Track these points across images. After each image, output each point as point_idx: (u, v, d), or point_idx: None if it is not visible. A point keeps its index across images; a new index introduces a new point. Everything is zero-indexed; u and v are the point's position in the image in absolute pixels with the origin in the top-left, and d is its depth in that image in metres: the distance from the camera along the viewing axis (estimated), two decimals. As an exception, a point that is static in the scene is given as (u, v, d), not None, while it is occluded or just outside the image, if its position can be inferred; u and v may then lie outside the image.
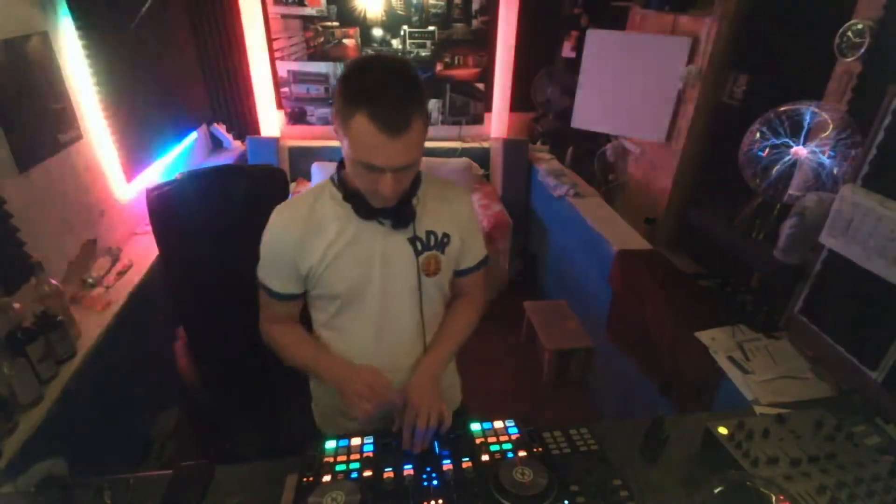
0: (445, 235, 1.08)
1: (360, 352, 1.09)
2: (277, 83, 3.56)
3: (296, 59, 3.50)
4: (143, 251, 2.16)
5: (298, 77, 3.56)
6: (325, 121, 3.68)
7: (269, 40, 3.41)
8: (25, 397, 1.32)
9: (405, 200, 1.00)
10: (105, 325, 1.71)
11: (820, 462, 0.98)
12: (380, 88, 0.84)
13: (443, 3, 3.41)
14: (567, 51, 3.53)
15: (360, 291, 1.04)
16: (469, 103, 3.77)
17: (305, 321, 1.17)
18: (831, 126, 1.49)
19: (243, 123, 3.56)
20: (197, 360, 1.80)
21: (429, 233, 1.06)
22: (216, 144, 3.58)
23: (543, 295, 3.42)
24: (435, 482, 0.94)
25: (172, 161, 2.80)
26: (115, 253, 2.06)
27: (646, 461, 1.07)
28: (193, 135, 3.17)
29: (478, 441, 1.04)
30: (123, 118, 2.21)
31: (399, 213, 1.00)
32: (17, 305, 1.38)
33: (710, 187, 2.57)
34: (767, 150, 1.62)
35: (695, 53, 2.51)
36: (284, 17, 3.37)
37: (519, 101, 3.74)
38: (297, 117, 3.68)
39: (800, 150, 1.57)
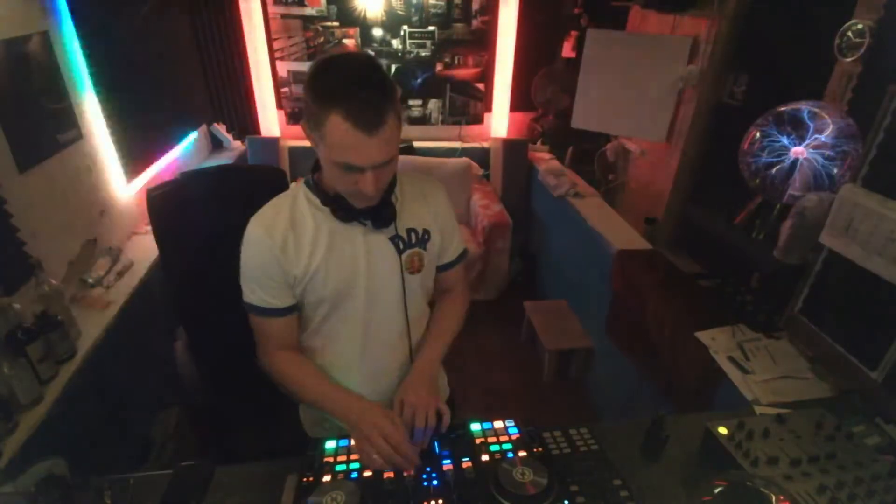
0: (426, 232, 1.08)
1: (348, 356, 1.09)
2: (277, 83, 3.56)
3: (296, 59, 3.50)
4: (143, 251, 2.16)
5: (298, 77, 3.56)
6: (325, 121, 3.68)
7: (269, 40, 3.42)
8: (25, 397, 1.32)
9: (385, 199, 0.99)
10: (105, 326, 1.70)
11: (820, 462, 0.98)
12: (350, 87, 0.83)
13: (443, 3, 3.41)
14: (567, 51, 3.52)
15: (347, 294, 1.03)
16: (469, 103, 3.77)
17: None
18: (831, 126, 1.49)
19: (243, 123, 3.56)
20: (197, 360, 1.80)
21: (409, 230, 1.06)
22: (216, 144, 3.58)
23: (543, 295, 3.42)
24: (435, 482, 0.94)
25: (172, 161, 2.80)
26: (115, 253, 2.06)
27: (646, 461, 1.07)
28: (193, 135, 3.17)
29: (478, 441, 1.03)
30: (123, 118, 2.20)
31: (379, 213, 0.99)
32: (17, 305, 1.37)
33: (710, 187, 2.57)
34: (767, 151, 1.62)
35: (695, 53, 2.51)
36: (284, 17, 3.37)
37: (519, 100, 3.74)
38: (297, 117, 3.68)
39: (800, 151, 1.57)
